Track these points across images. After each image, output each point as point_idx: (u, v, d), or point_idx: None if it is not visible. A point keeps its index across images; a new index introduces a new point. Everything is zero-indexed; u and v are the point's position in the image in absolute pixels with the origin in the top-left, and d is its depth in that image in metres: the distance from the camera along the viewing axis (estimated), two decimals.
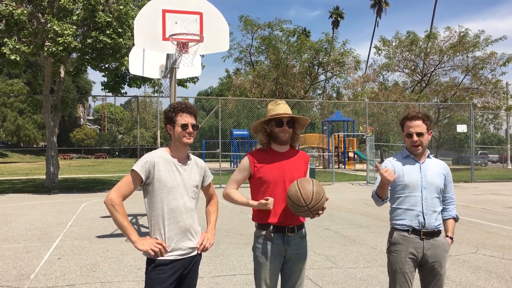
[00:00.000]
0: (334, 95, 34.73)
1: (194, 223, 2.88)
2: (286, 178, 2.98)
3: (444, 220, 3.24)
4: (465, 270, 5.75)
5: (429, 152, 3.24)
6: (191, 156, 2.99)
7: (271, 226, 2.95)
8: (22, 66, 15.89)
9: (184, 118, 2.82)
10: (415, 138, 3.10)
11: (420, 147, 3.12)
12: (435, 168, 3.18)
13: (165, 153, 2.85)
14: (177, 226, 2.79)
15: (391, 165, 3.19)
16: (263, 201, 2.88)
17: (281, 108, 3.02)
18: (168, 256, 2.75)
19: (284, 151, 3.07)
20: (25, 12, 14.51)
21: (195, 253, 2.87)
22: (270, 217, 2.95)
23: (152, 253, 2.71)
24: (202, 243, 2.89)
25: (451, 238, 3.22)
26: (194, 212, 2.91)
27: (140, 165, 2.75)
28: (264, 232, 2.96)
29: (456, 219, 3.28)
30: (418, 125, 3.11)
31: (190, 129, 2.81)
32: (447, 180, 3.22)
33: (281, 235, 2.95)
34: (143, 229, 8.77)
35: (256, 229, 3.05)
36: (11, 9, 14.28)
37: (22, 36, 15.34)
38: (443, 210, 3.22)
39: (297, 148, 3.18)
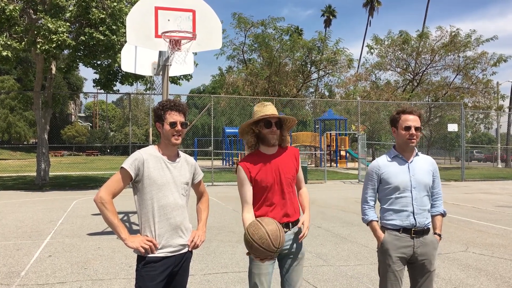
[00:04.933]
0: (327, 93, 34.79)
1: (184, 220, 2.88)
2: (279, 180, 3.00)
3: (432, 217, 3.27)
4: (455, 268, 5.80)
5: (416, 150, 3.27)
6: (181, 153, 2.99)
7: None
8: (13, 62, 15.78)
9: (173, 116, 2.81)
10: (414, 131, 3.13)
11: (415, 141, 3.15)
12: (423, 166, 3.21)
13: (154, 150, 2.86)
14: (168, 223, 2.79)
15: (378, 167, 3.22)
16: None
17: (269, 109, 3.02)
18: (158, 253, 2.75)
19: (273, 152, 3.08)
20: (17, 8, 14.39)
21: (185, 250, 2.87)
22: (265, 214, 2.97)
23: (143, 251, 2.71)
24: (193, 241, 2.89)
25: (439, 235, 3.25)
26: (185, 209, 2.90)
27: (129, 163, 2.75)
28: None
29: (443, 214, 3.31)
30: (416, 120, 3.16)
31: (178, 127, 2.81)
32: (435, 176, 3.26)
33: None
34: (134, 227, 8.75)
35: None
36: (3, 4, 14.16)
37: (13, 32, 15.22)
38: (431, 206, 3.25)
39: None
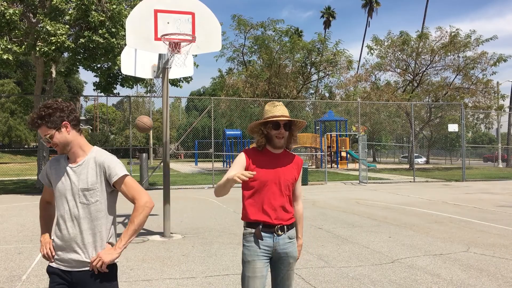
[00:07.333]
0: (327, 94, 34.83)
1: (81, 233, 2.52)
2: (278, 180, 2.98)
3: None
4: (456, 269, 5.79)
5: None
6: (93, 151, 2.62)
7: (261, 225, 2.94)
8: (13, 66, 15.80)
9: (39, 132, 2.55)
10: None
11: None
12: None
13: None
14: (61, 235, 2.54)
15: None
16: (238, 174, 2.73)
17: (279, 110, 2.98)
18: (54, 265, 2.57)
19: (279, 152, 3.07)
20: (17, 12, 14.43)
21: (85, 268, 2.51)
22: (259, 216, 2.95)
23: (42, 255, 2.63)
24: (94, 262, 2.47)
25: None
26: (85, 220, 2.52)
27: (42, 171, 2.69)
28: (253, 230, 2.95)
29: None
30: None
31: (47, 144, 2.56)
32: None
33: (271, 234, 2.94)
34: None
35: (244, 227, 3.03)
36: (2, 8, 14.19)
37: (13, 36, 15.25)
38: None
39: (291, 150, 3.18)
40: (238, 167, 2.98)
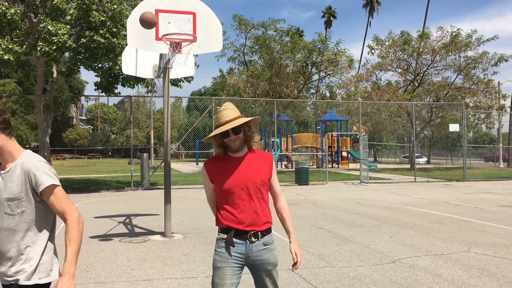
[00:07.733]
0: (328, 94, 34.83)
1: (7, 246, 2.30)
2: (244, 184, 2.83)
3: None
4: (457, 269, 5.79)
5: None
6: (22, 156, 2.38)
7: (233, 230, 2.83)
8: (14, 66, 15.81)
9: None
10: None
11: None
12: None
13: None
14: None
15: None
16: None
17: (223, 116, 2.82)
18: None
19: (241, 155, 2.90)
20: (18, 12, 14.44)
21: (11, 283, 2.29)
22: (232, 222, 2.83)
23: None
24: None
25: None
26: (11, 232, 2.30)
27: None
28: (225, 236, 2.85)
29: None
30: None
31: None
32: None
33: (243, 241, 2.83)
34: (136, 229, 8.76)
35: (218, 233, 2.93)
36: (4, 8, 14.20)
37: (14, 36, 15.26)
38: None
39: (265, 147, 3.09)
40: (208, 188, 2.98)
